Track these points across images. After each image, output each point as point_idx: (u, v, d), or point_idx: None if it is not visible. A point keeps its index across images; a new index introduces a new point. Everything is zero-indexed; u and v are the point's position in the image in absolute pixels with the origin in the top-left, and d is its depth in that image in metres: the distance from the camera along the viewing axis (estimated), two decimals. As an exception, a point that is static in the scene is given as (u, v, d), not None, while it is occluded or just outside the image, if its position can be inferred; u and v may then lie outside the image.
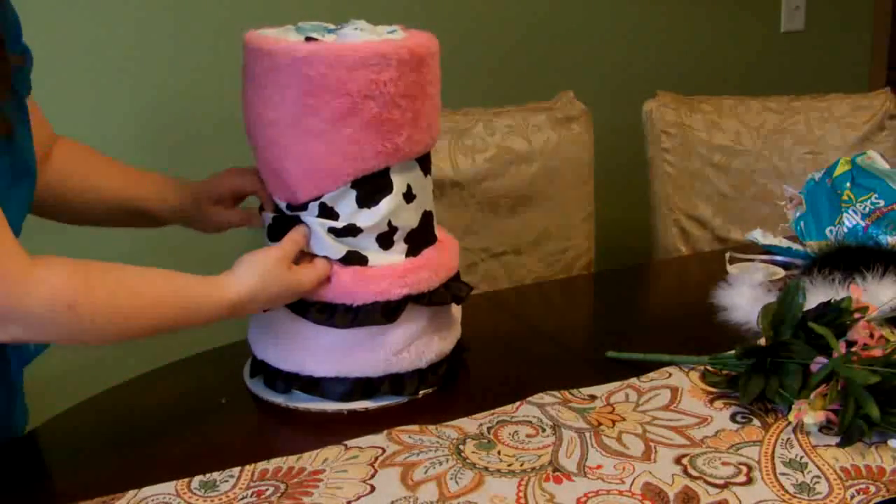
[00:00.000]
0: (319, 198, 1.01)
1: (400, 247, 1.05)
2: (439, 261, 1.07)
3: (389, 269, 1.03)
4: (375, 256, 1.03)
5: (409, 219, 1.05)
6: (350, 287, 1.02)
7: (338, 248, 1.02)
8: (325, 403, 1.04)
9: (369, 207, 1.01)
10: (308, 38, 0.99)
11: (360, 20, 1.06)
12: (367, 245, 1.03)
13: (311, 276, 1.01)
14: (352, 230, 1.02)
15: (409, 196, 1.04)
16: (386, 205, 1.01)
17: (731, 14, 2.43)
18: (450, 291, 1.08)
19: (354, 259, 1.03)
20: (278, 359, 1.06)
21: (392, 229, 1.03)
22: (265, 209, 1.08)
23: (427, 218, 1.08)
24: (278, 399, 1.06)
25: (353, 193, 1.00)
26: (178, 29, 1.81)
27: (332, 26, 1.05)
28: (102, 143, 1.18)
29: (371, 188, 1.01)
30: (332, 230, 1.02)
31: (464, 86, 2.05)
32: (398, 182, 1.02)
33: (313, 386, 1.05)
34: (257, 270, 0.97)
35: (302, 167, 1.00)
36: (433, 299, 1.06)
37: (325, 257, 1.03)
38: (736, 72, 2.46)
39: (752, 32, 2.47)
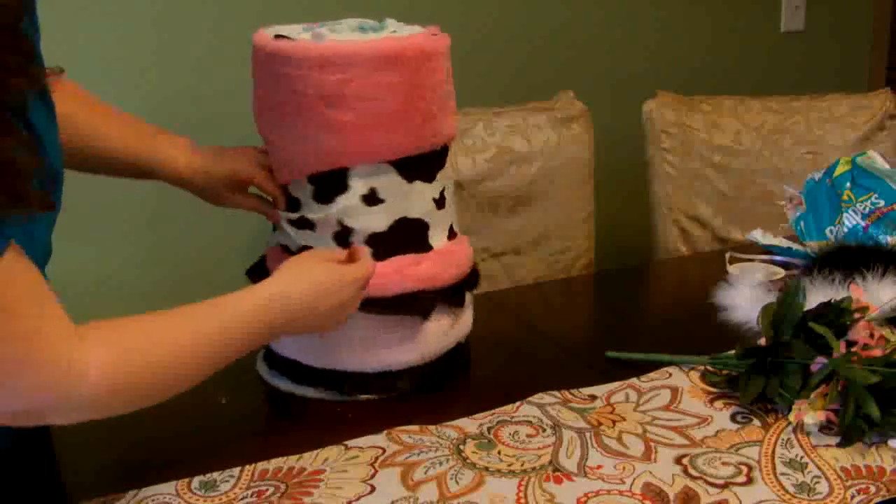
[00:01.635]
0: (286, 186, 1.05)
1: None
2: (408, 270, 1.03)
3: None
4: None
5: (369, 222, 1.02)
6: None
7: (295, 240, 1.05)
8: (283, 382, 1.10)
9: (323, 204, 1.02)
10: (278, 36, 1.01)
11: (391, 19, 1.07)
12: (324, 242, 1.03)
13: (365, 263, 0.98)
14: (306, 223, 1.03)
15: (372, 199, 1.02)
16: (338, 204, 1.01)
17: (731, 14, 2.43)
18: (406, 302, 1.03)
19: None
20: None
21: (345, 230, 1.02)
22: (276, 205, 1.08)
23: (404, 225, 1.04)
24: (261, 369, 1.13)
25: (311, 188, 1.02)
26: (179, 27, 1.81)
27: (370, 22, 1.06)
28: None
29: (326, 186, 1.02)
30: (290, 221, 1.05)
31: (464, 86, 2.05)
32: (358, 184, 1.01)
33: (281, 364, 1.10)
34: (306, 261, 0.96)
35: (272, 155, 1.06)
36: (383, 307, 1.03)
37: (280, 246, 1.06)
38: (736, 72, 2.45)
39: (752, 32, 2.47)
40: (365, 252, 1.00)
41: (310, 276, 0.93)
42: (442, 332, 1.09)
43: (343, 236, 1.03)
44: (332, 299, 0.93)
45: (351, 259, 0.98)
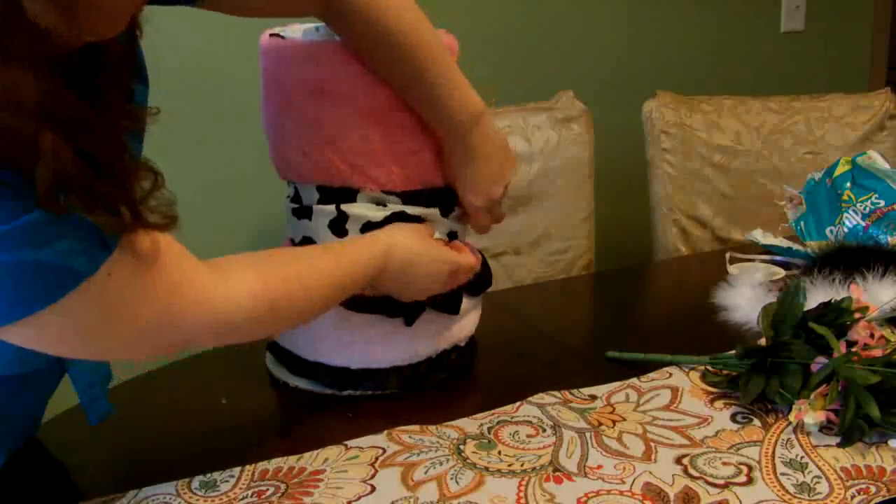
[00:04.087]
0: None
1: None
2: None
3: None
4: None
5: (366, 212, 1.02)
6: None
7: (294, 229, 1.06)
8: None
9: (327, 205, 1.03)
10: (272, 35, 1.01)
11: None
12: (320, 230, 1.03)
13: (467, 256, 1.04)
14: (305, 212, 1.04)
15: (378, 201, 1.02)
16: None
17: (731, 14, 2.43)
18: (390, 304, 1.03)
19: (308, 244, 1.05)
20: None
21: (342, 215, 1.02)
22: None
23: (400, 219, 1.02)
24: (267, 359, 1.14)
25: (317, 195, 1.02)
26: (191, 24, 1.81)
27: None
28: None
29: (335, 194, 1.02)
30: (292, 209, 1.06)
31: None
32: (366, 197, 1.02)
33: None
34: (409, 227, 1.00)
35: (271, 151, 1.07)
36: (365, 306, 1.03)
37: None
38: (736, 72, 2.46)
39: (752, 32, 2.47)
40: (466, 248, 1.06)
41: (411, 237, 0.99)
42: (429, 335, 1.07)
43: (339, 223, 1.02)
44: (421, 269, 0.99)
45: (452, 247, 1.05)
